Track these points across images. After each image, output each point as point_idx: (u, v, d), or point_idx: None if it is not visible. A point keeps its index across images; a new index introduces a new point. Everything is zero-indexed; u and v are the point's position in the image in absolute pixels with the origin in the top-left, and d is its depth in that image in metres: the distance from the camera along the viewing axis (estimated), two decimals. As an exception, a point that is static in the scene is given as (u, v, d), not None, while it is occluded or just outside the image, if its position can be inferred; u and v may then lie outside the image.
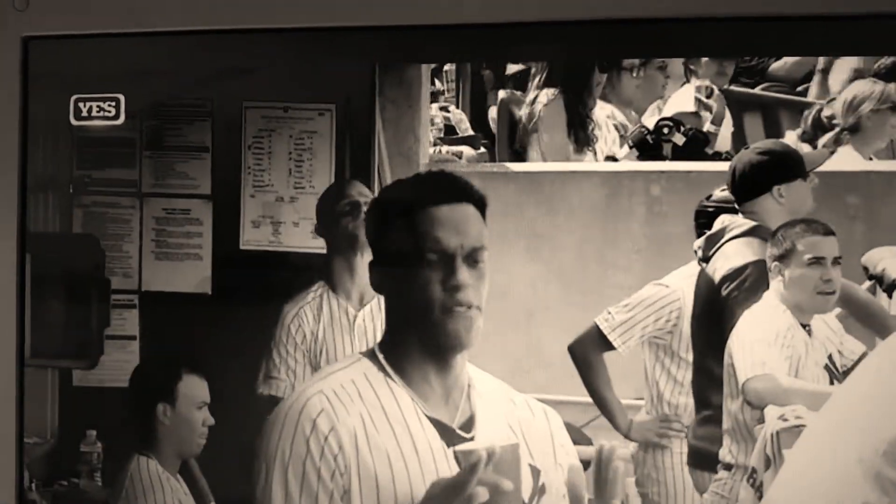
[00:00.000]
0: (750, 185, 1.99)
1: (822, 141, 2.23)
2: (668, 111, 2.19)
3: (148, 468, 2.02)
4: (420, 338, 1.51)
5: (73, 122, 1.91)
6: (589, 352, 2.07)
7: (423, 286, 1.48)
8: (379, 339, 1.58)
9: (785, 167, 1.98)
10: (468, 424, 1.52)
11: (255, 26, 1.86)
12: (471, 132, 2.27)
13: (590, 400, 2.06)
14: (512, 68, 2.29)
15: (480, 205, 1.54)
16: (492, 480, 1.41)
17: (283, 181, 2.07)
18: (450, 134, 2.27)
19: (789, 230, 1.93)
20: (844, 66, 2.31)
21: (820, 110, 2.29)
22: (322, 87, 2.01)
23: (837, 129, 2.21)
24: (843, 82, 2.27)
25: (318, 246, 2.08)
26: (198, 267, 2.09)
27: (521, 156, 2.24)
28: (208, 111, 2.07)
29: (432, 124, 2.20)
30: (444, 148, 2.19)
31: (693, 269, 2.07)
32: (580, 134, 2.22)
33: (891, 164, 2.15)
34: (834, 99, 2.28)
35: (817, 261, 1.91)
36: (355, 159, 2.08)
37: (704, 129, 2.22)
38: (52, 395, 2.10)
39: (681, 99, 2.24)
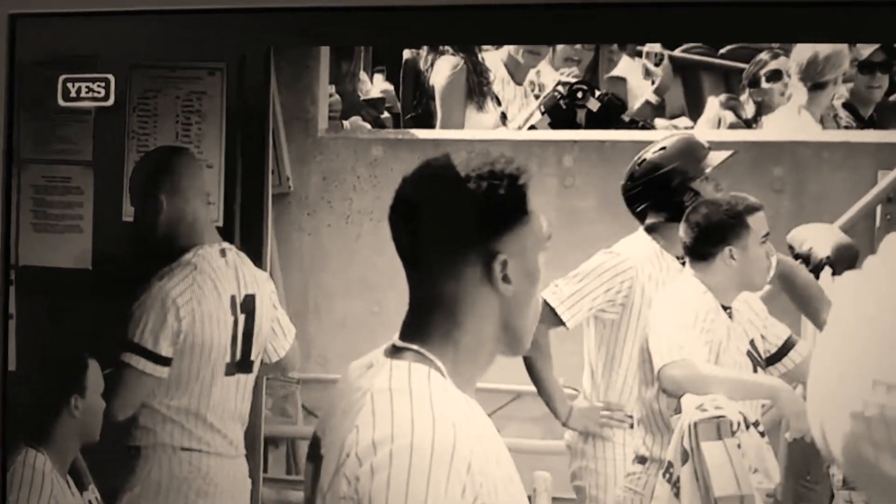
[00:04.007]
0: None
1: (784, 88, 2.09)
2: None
3: (34, 464, 1.90)
4: None
5: (62, 102, 1.85)
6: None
7: None
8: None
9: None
10: None
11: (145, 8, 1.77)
12: (372, 95, 2.13)
13: (496, 386, 1.93)
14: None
15: None
16: None
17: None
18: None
19: (729, 208, 1.80)
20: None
21: (759, 68, 2.16)
22: (213, 44, 1.87)
23: (803, 85, 2.07)
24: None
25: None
26: (78, 240, 1.95)
27: (423, 122, 2.10)
28: (94, 69, 1.92)
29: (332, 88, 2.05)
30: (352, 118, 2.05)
31: (642, 236, 1.93)
32: (476, 97, 2.08)
33: (818, 134, 2.02)
34: (780, 54, 2.16)
35: (766, 237, 1.80)
36: (248, 123, 1.93)
37: (644, 99, 2.09)
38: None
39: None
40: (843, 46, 2.08)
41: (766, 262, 1.81)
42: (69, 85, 1.84)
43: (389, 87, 2.15)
